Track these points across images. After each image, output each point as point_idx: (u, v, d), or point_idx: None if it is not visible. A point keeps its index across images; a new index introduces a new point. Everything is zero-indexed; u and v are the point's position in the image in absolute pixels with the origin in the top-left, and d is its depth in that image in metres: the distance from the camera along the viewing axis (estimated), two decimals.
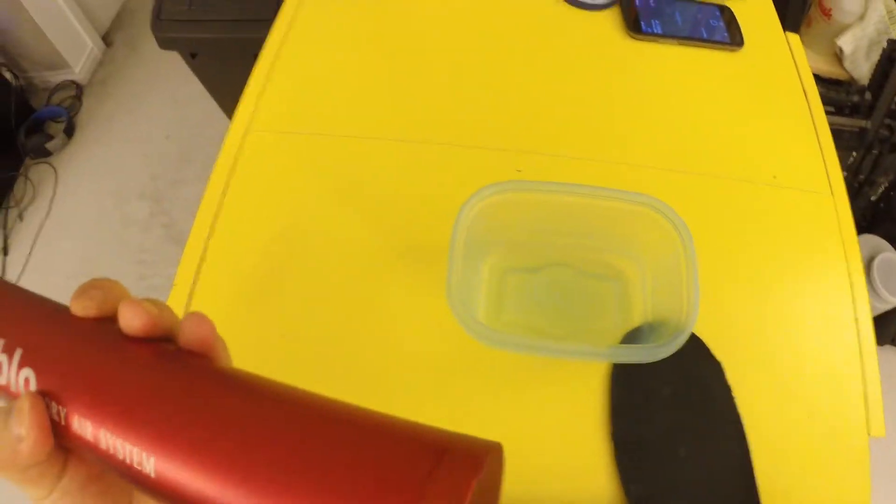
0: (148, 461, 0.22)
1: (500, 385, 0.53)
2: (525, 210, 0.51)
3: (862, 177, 1.30)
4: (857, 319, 0.61)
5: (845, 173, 1.30)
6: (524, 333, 0.53)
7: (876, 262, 1.27)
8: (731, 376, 0.54)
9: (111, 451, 0.23)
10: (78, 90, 1.90)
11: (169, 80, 1.92)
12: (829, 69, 1.31)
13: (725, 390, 0.53)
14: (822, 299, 0.61)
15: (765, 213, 0.66)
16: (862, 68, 1.30)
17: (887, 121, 1.28)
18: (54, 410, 0.24)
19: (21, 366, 0.24)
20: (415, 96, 0.70)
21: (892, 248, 1.32)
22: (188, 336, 0.26)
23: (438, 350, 0.54)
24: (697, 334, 0.55)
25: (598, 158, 0.66)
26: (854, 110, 1.26)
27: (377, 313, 0.56)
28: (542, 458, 0.51)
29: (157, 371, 0.24)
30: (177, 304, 0.55)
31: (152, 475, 0.22)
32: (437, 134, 0.67)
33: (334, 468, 0.20)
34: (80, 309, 0.26)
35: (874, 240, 1.34)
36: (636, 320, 0.54)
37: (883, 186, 1.35)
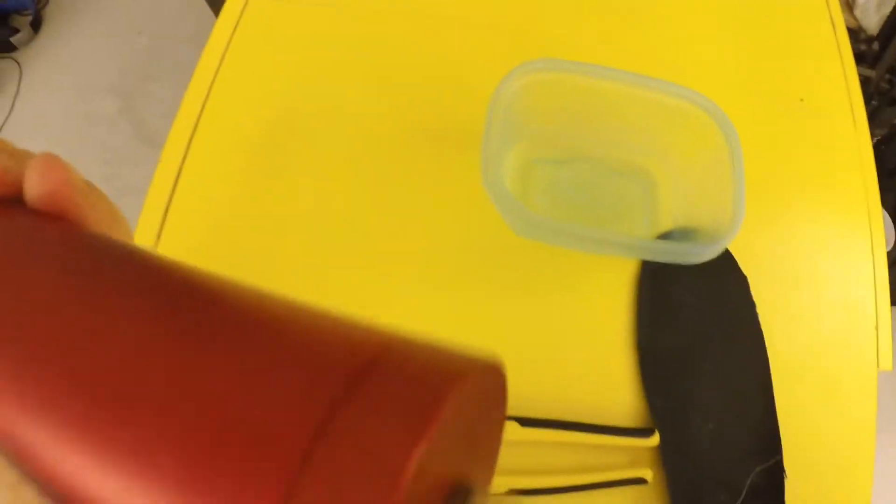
0: None
1: (527, 285, 0.50)
2: (559, 95, 0.47)
3: None
4: (872, 251, 0.61)
5: None
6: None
7: None
8: (754, 292, 0.53)
9: None
10: None
11: None
12: None
13: (750, 305, 0.52)
14: (841, 226, 0.61)
15: (792, 134, 0.64)
16: (871, 18, 1.28)
17: (888, 75, 1.27)
18: None
19: None
20: None
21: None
22: (33, 193, 0.18)
23: (463, 244, 0.51)
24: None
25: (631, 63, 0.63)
26: (860, 59, 1.24)
27: (396, 199, 0.52)
28: (565, 364, 0.49)
29: None
30: (153, 217, 0.49)
31: None
32: (467, 11, 0.62)
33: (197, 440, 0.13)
34: None
35: None
36: (664, 224, 0.52)
37: (876, 139, 1.35)
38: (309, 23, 0.59)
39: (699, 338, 0.50)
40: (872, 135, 1.32)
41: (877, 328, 0.57)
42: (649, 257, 0.48)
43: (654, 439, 0.46)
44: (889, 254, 1.31)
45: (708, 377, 0.49)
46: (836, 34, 0.73)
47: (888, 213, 1.33)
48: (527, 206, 0.47)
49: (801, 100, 0.65)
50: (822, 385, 0.53)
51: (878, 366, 0.56)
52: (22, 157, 0.18)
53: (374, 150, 0.54)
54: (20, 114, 1.61)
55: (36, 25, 1.71)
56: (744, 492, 0.48)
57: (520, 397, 0.44)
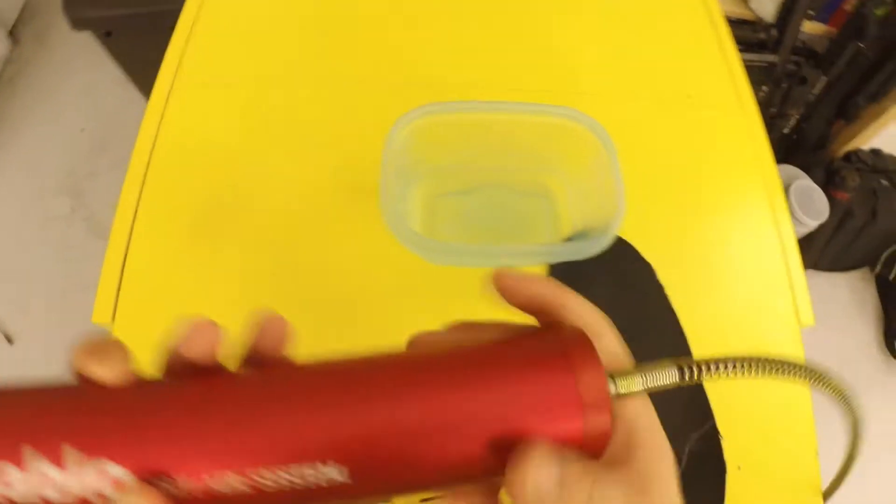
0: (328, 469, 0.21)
1: (443, 303, 0.54)
2: (450, 133, 0.53)
3: (774, 110, 1.37)
4: (775, 217, 0.65)
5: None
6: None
7: (792, 189, 1.34)
8: (663, 276, 0.57)
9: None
10: None
11: (80, 72, 1.84)
12: (735, 10, 1.38)
13: (658, 289, 0.56)
14: (742, 201, 0.66)
15: (683, 131, 0.69)
16: (767, 8, 1.37)
17: (793, 56, 1.35)
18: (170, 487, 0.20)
19: (89, 463, 0.19)
20: (337, 35, 0.70)
21: (806, 176, 1.40)
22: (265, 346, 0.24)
23: (382, 275, 0.55)
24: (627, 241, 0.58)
25: (517, 88, 0.68)
26: (762, 47, 1.32)
27: (321, 250, 0.56)
28: None
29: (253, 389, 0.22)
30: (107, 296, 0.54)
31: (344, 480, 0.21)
32: (361, 70, 0.67)
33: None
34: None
35: (789, 169, 1.42)
36: (565, 232, 0.56)
37: (794, 119, 1.42)
38: (228, 102, 0.64)
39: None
40: (788, 115, 1.41)
41: (791, 288, 0.61)
42: (548, 260, 0.52)
43: None
44: (823, 225, 1.37)
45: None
46: (716, 31, 0.79)
47: (819, 186, 1.39)
48: (434, 237, 0.51)
49: (689, 96, 0.71)
50: (750, 348, 0.55)
51: (799, 323, 0.60)
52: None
53: (300, 207, 0.58)
54: None
55: None
56: (683, 461, 0.51)
57: None
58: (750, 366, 0.25)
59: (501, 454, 0.22)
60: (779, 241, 0.64)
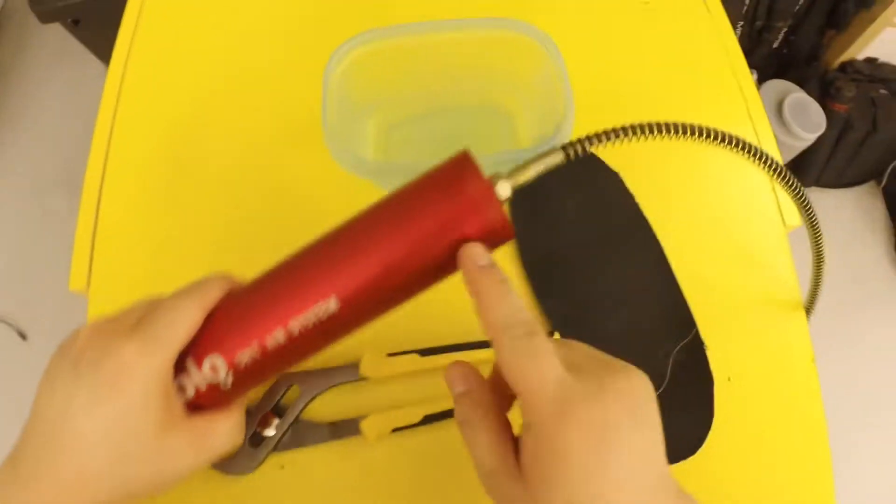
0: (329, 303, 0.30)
1: None
2: (395, 60, 0.51)
3: (760, 23, 1.33)
4: (751, 119, 0.63)
5: (741, 23, 1.33)
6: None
7: (786, 103, 1.30)
8: (633, 185, 0.56)
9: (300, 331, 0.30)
10: None
11: (61, 70, 1.84)
12: None
13: (627, 197, 0.55)
14: (715, 104, 0.64)
15: (642, 35, 0.67)
16: None
17: None
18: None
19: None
20: None
21: (801, 90, 1.36)
22: None
23: (342, 211, 0.54)
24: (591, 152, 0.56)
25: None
26: None
27: (280, 197, 0.56)
28: (452, 292, 0.51)
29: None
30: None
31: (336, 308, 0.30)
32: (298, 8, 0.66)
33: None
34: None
35: (782, 83, 1.38)
36: (525, 145, 0.55)
37: (783, 31, 1.38)
38: (180, 69, 0.64)
39: (582, 238, 0.53)
40: (776, 28, 1.36)
41: (774, 190, 0.59)
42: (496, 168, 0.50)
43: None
44: (822, 140, 1.34)
45: (604, 275, 0.52)
46: None
47: (815, 99, 1.35)
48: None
49: (646, 3, 0.68)
50: (733, 255, 0.55)
51: (784, 224, 0.58)
52: None
53: (255, 158, 0.58)
54: None
55: None
56: (668, 373, 0.50)
57: (417, 331, 0.47)
58: (635, 131, 0.32)
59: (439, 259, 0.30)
60: (756, 140, 0.62)
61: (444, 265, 0.30)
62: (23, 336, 1.44)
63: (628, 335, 0.50)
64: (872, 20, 1.36)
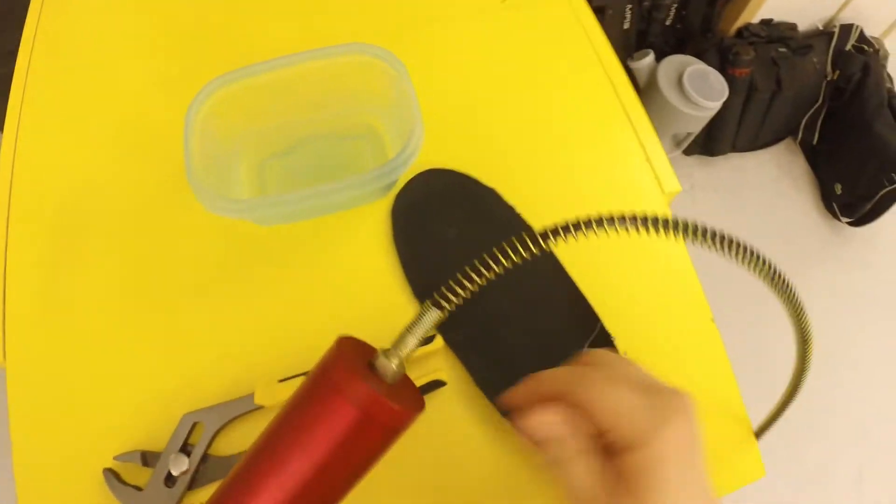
0: None
1: (291, 265, 0.54)
2: (255, 98, 0.52)
3: (647, 3, 1.36)
4: (619, 97, 0.65)
5: (629, 6, 1.36)
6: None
7: (686, 74, 1.34)
8: (511, 197, 0.56)
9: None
10: None
11: None
12: None
13: (507, 209, 0.55)
14: (584, 88, 0.65)
15: (503, 34, 0.68)
16: None
17: None
18: None
19: None
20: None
21: (699, 61, 1.40)
22: None
23: (221, 254, 0.55)
24: (463, 171, 0.57)
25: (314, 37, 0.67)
26: None
27: (165, 242, 0.56)
28: (351, 313, 0.53)
29: None
30: None
31: None
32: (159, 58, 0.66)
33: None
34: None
35: (679, 58, 1.41)
36: None
37: (673, 7, 1.41)
38: (68, 120, 0.63)
39: (468, 260, 0.52)
40: (664, 5, 1.40)
41: (649, 160, 0.62)
42: (354, 192, 0.49)
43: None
44: (730, 106, 1.37)
45: (500, 289, 0.51)
46: None
47: (716, 69, 1.39)
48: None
49: (502, 1, 0.70)
50: (620, 238, 0.55)
51: (663, 192, 0.60)
52: None
53: (136, 207, 0.58)
54: None
55: None
56: None
57: (304, 353, 0.46)
58: (488, 265, 0.33)
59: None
60: (627, 119, 0.64)
61: (372, 452, 0.33)
62: None
63: (539, 340, 0.51)
64: None
